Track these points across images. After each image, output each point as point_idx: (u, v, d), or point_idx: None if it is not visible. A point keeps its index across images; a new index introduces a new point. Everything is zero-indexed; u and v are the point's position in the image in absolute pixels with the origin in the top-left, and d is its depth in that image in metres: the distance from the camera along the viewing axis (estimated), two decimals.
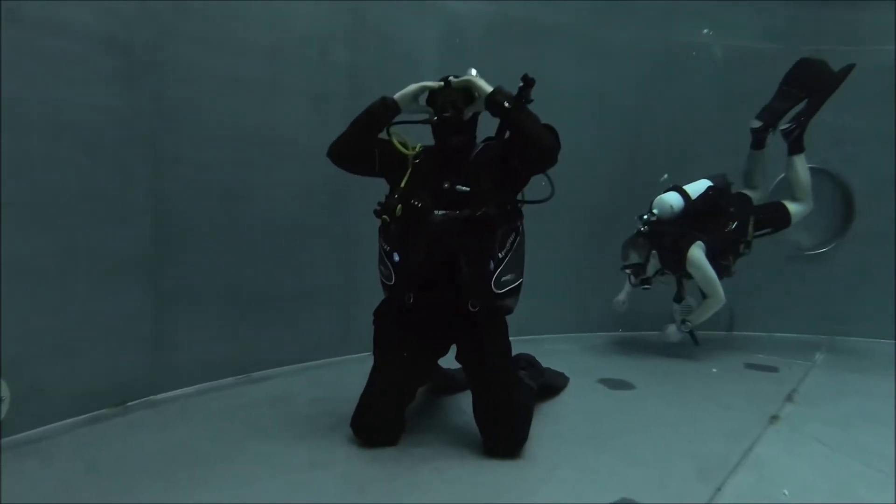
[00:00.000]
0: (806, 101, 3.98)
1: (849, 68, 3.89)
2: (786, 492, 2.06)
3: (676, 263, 3.78)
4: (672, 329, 3.85)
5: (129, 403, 2.70)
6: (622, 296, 4.09)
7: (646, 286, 3.85)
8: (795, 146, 4.03)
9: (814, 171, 4.59)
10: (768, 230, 4.03)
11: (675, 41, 4.48)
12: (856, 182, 4.61)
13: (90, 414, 2.55)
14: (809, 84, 3.94)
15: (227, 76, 3.02)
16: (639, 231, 3.84)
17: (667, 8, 4.40)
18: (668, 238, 3.79)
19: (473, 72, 2.41)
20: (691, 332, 3.88)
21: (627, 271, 3.83)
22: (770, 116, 3.99)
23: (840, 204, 4.69)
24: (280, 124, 3.25)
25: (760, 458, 2.34)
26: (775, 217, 4.03)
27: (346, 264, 3.57)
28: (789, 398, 3.11)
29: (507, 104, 2.26)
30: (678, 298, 4.03)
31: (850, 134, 4.53)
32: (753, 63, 4.53)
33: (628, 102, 4.39)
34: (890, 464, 2.30)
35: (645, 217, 3.84)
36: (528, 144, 2.28)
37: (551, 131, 2.31)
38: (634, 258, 3.78)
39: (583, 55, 4.29)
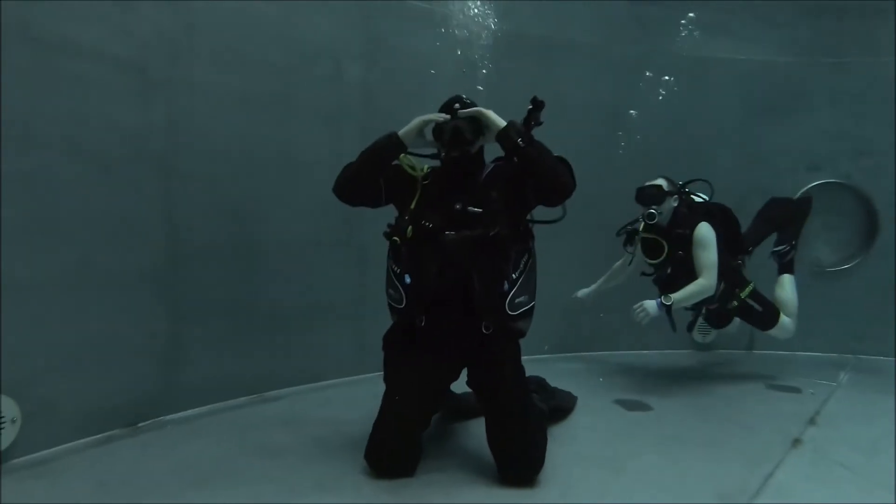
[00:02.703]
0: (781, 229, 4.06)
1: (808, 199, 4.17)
2: None
3: (682, 236, 3.47)
4: (651, 304, 3.29)
5: (141, 424, 2.70)
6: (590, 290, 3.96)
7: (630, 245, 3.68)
8: (787, 267, 3.99)
9: (836, 185, 4.54)
10: (757, 307, 3.75)
11: (696, 56, 4.43)
12: (879, 196, 4.50)
13: (101, 434, 2.55)
14: (779, 218, 4.06)
15: (240, 94, 3.05)
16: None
17: (686, 22, 4.36)
18: (686, 206, 3.60)
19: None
20: (669, 314, 3.42)
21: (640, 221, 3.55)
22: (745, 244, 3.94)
23: (863, 219, 4.58)
24: (293, 141, 3.27)
25: (782, 485, 2.26)
26: (768, 307, 3.79)
27: (359, 283, 3.55)
28: (812, 420, 3.02)
29: (520, 142, 2.19)
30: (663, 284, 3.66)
31: (872, 146, 4.44)
32: (774, 76, 4.48)
33: (645, 119, 4.34)
34: None
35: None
36: (542, 182, 2.24)
37: (565, 165, 2.27)
38: (662, 183, 3.54)
39: (597, 70, 4.26)
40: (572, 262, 4.12)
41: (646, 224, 3.51)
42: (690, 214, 3.56)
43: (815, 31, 4.51)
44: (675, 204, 3.57)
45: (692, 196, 3.69)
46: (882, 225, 4.48)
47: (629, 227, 3.72)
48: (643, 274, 3.80)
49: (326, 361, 3.52)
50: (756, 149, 4.16)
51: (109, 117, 2.55)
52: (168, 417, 2.80)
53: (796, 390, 3.62)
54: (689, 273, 3.47)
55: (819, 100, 4.51)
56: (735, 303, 3.70)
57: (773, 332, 3.81)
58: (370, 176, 2.36)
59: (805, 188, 4.53)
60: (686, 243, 3.48)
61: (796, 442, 2.71)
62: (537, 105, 2.29)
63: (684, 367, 4.22)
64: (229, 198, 3.05)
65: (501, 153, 2.34)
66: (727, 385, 3.76)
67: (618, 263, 3.95)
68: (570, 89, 4.13)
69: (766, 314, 3.76)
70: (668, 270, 3.59)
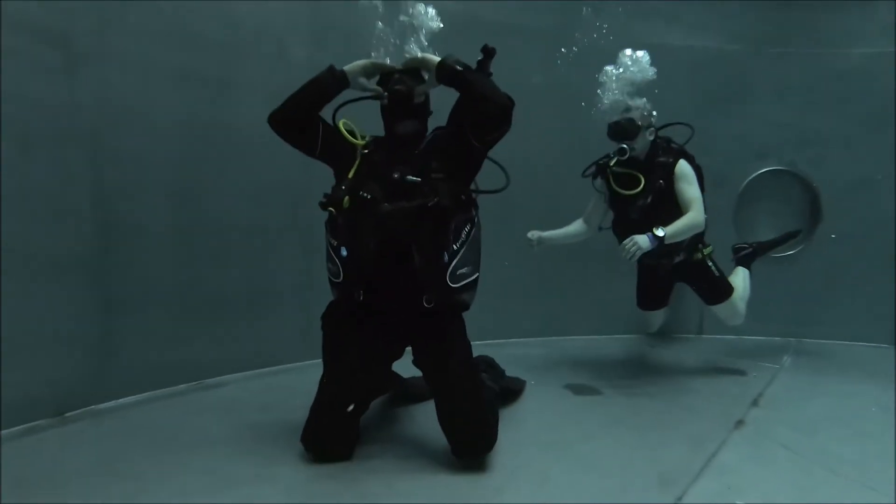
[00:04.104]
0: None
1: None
2: None
3: (665, 165, 3.34)
4: (643, 239, 3.01)
5: (69, 413, 2.56)
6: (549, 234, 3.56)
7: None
8: (743, 261, 3.96)
9: (781, 173, 4.62)
10: (715, 271, 3.58)
11: (644, 42, 4.42)
12: (822, 184, 4.59)
13: (24, 426, 2.41)
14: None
15: (177, 71, 2.92)
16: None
17: (635, 9, 4.35)
18: (665, 141, 3.47)
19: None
20: (662, 247, 3.11)
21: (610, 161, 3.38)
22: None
23: (807, 206, 4.68)
24: (234, 121, 3.13)
25: (724, 465, 2.28)
26: (725, 277, 3.64)
27: (306, 265, 3.44)
28: (755, 402, 3.07)
29: (458, 67, 2.17)
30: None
31: (815, 136, 4.53)
32: (723, 65, 4.51)
33: (596, 104, 4.33)
34: (853, 468, 2.25)
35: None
36: (480, 102, 2.16)
37: (504, 93, 2.20)
38: (635, 115, 3.34)
39: (551, 56, 4.22)
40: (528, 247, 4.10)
41: (618, 160, 3.35)
42: (669, 147, 3.45)
43: (762, 21, 4.55)
44: (651, 137, 3.41)
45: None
46: (824, 212, 4.58)
47: (600, 162, 3.52)
48: (601, 229, 3.65)
49: (272, 347, 3.43)
50: (706, 136, 4.18)
51: (28, 91, 2.39)
52: (100, 407, 2.68)
53: (742, 373, 3.68)
54: (669, 204, 3.30)
55: (765, 89, 4.56)
56: (699, 255, 3.55)
57: (721, 308, 3.65)
58: (308, 108, 2.29)
59: (753, 175, 4.60)
60: (668, 173, 3.33)
61: (739, 423, 2.74)
62: (488, 53, 2.24)
63: (634, 351, 4.25)
64: (166, 179, 2.92)
65: (444, 123, 2.28)
66: (675, 368, 3.79)
67: (579, 221, 3.70)
68: (523, 74, 4.08)
69: (721, 282, 3.62)
70: (649, 200, 3.33)
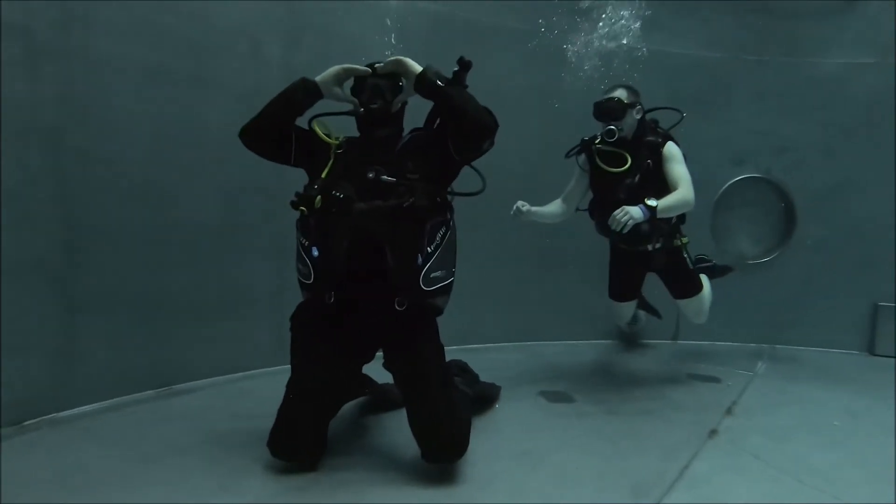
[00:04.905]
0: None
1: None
2: None
3: (653, 145, 3.31)
4: (635, 209, 2.94)
5: (28, 422, 2.48)
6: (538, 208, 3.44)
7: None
8: (704, 270, 3.96)
9: (757, 180, 4.66)
10: (690, 263, 3.59)
11: (622, 46, 4.43)
12: (797, 191, 4.64)
13: None
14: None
15: (147, 68, 2.84)
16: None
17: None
18: (653, 123, 3.44)
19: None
20: (654, 219, 3.04)
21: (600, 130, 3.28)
22: None
23: (782, 213, 4.73)
24: (206, 121, 3.07)
25: (697, 475, 2.27)
26: (696, 272, 3.68)
27: (279, 268, 3.37)
28: (729, 410, 3.07)
29: (438, 82, 2.12)
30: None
31: (792, 143, 4.57)
32: (702, 71, 4.53)
33: (574, 107, 4.32)
34: (822, 478, 2.27)
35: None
36: (462, 121, 2.12)
37: (487, 111, 2.16)
38: (622, 94, 3.26)
39: (528, 57, 4.21)
40: (506, 250, 4.08)
41: (604, 140, 3.28)
42: (656, 129, 3.42)
43: (740, 29, 4.58)
44: (639, 116, 3.32)
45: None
46: (799, 218, 4.63)
47: (585, 139, 3.44)
48: (577, 209, 3.60)
49: (244, 351, 3.35)
50: (683, 142, 4.21)
51: None
52: (60, 415, 2.59)
53: (716, 380, 3.69)
54: (656, 185, 3.23)
55: (743, 96, 4.60)
56: (678, 242, 3.52)
57: (689, 303, 3.65)
58: (280, 121, 2.24)
59: (729, 182, 4.64)
60: (656, 153, 3.30)
61: (713, 433, 2.74)
62: (464, 65, 2.20)
63: (610, 357, 4.25)
64: (133, 179, 2.85)
65: (421, 124, 2.24)
66: (650, 376, 3.79)
67: (557, 201, 3.58)
68: (500, 75, 4.06)
69: (694, 276, 3.63)
70: (636, 179, 3.28)
